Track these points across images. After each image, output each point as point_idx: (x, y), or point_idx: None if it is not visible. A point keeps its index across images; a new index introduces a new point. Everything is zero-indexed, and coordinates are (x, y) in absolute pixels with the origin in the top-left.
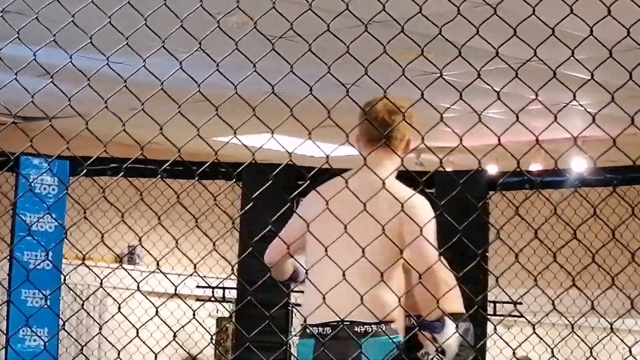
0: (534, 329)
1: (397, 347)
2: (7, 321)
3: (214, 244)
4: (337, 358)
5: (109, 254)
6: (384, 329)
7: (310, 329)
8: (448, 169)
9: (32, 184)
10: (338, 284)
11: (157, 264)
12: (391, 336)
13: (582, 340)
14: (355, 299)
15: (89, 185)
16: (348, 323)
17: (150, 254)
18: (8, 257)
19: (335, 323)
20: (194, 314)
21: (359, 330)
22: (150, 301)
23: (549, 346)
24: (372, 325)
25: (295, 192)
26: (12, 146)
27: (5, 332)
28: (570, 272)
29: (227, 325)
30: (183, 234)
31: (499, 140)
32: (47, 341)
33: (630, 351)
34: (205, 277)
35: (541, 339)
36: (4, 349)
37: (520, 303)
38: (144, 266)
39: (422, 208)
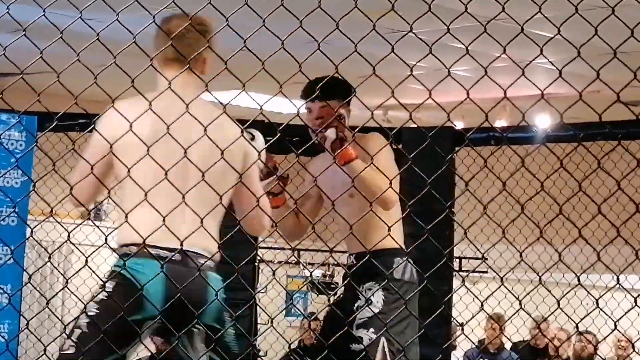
0: (502, 281)
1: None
2: None
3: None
4: (191, 287)
5: (75, 210)
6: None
7: (151, 250)
8: (414, 126)
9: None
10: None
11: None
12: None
13: (550, 293)
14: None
15: (57, 141)
16: (194, 253)
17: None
18: None
19: (188, 251)
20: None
21: (207, 264)
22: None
23: (517, 299)
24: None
25: (264, 147)
26: None
27: None
28: (537, 226)
29: None
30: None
31: (467, 94)
32: (11, 296)
33: (597, 303)
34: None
35: (510, 292)
36: None
37: (486, 259)
38: (110, 222)
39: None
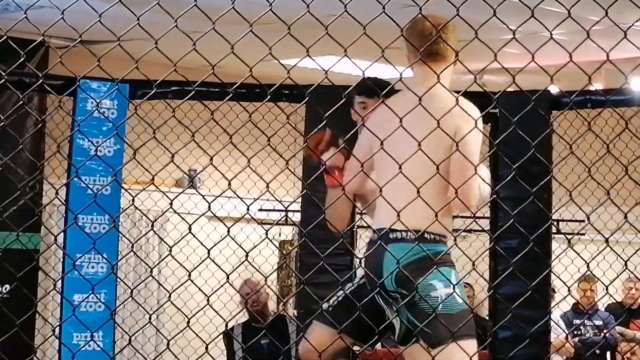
0: (607, 242)
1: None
2: (64, 247)
3: (287, 162)
4: (371, 260)
5: (170, 179)
6: (413, 236)
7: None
8: (511, 90)
9: (91, 108)
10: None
11: (229, 183)
12: (422, 244)
13: None
14: (406, 209)
15: (149, 109)
16: (387, 230)
17: (222, 173)
18: (66, 183)
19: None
20: (266, 234)
21: (391, 237)
22: (224, 222)
23: (620, 257)
24: (403, 232)
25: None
26: (69, 71)
27: (62, 259)
28: (636, 187)
29: (290, 247)
30: (254, 153)
31: (570, 57)
32: (113, 265)
33: None
34: (268, 200)
35: (615, 253)
36: (60, 279)
37: (583, 220)
38: (205, 190)
39: (473, 122)
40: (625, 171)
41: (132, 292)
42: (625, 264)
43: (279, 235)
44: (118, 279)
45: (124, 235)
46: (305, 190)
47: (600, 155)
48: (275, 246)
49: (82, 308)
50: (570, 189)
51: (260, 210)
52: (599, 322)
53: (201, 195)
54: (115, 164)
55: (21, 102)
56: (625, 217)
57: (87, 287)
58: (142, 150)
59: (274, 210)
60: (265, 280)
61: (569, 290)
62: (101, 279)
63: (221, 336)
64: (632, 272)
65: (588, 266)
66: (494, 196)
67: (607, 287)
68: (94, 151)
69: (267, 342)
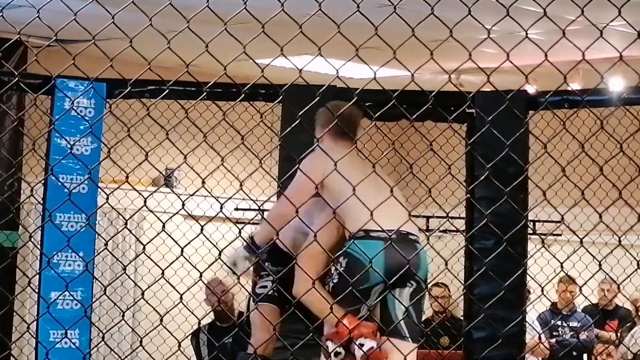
0: (581, 242)
1: None
2: (41, 245)
3: (260, 161)
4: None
5: (146, 177)
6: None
7: (376, 233)
8: (488, 90)
9: (68, 107)
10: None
11: (203, 182)
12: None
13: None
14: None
15: (126, 108)
16: (405, 232)
17: (196, 173)
18: (43, 181)
19: (403, 231)
20: (239, 232)
21: (411, 238)
22: (198, 222)
23: (595, 258)
24: (414, 234)
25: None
26: (46, 69)
27: (39, 257)
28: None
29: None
30: (229, 151)
31: (545, 56)
32: (87, 262)
33: None
34: (244, 199)
35: (590, 254)
36: (37, 275)
37: (559, 221)
38: (181, 189)
39: None
40: (601, 170)
41: (105, 289)
42: (600, 265)
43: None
44: (94, 277)
45: (99, 235)
46: (279, 189)
47: (576, 155)
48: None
49: (59, 306)
50: (546, 189)
51: (236, 209)
52: (576, 324)
53: (176, 194)
54: (92, 162)
55: None
56: (600, 218)
57: (63, 285)
58: (119, 150)
59: (249, 209)
60: (239, 278)
61: (542, 290)
62: (76, 277)
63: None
64: (607, 274)
65: (562, 267)
66: (468, 196)
67: (580, 287)
68: (70, 149)
69: (230, 342)
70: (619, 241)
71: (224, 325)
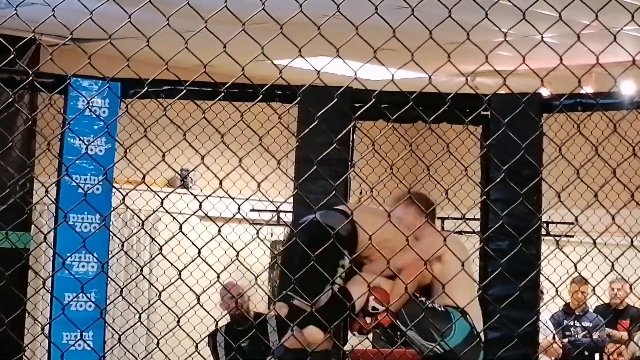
0: (594, 243)
1: None
2: (54, 246)
3: (278, 162)
4: None
5: (161, 178)
6: None
7: None
8: (502, 92)
9: (82, 107)
10: None
11: (220, 183)
12: None
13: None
14: None
15: (141, 108)
16: None
17: (213, 173)
18: (56, 182)
19: None
20: (257, 233)
21: None
22: (214, 222)
23: (607, 259)
24: None
25: (357, 114)
26: (60, 68)
27: (52, 258)
28: (627, 189)
29: (282, 248)
30: (246, 152)
31: (560, 60)
32: (103, 264)
33: None
34: (260, 201)
35: (601, 253)
36: (50, 277)
37: (572, 223)
38: (197, 190)
39: None
40: (613, 172)
41: (122, 290)
42: (612, 266)
43: (271, 236)
44: (108, 279)
45: (114, 235)
46: (296, 191)
47: (589, 158)
48: (267, 246)
49: (72, 307)
50: (560, 191)
51: (252, 210)
52: (588, 324)
53: (192, 194)
54: (106, 163)
55: (11, 100)
56: (613, 218)
57: (77, 287)
58: (134, 150)
59: (265, 210)
60: (256, 279)
61: (556, 290)
62: (91, 278)
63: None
64: (619, 274)
65: (576, 267)
66: (484, 197)
67: (594, 288)
68: (85, 150)
69: (247, 344)
70: (631, 242)
71: (241, 328)
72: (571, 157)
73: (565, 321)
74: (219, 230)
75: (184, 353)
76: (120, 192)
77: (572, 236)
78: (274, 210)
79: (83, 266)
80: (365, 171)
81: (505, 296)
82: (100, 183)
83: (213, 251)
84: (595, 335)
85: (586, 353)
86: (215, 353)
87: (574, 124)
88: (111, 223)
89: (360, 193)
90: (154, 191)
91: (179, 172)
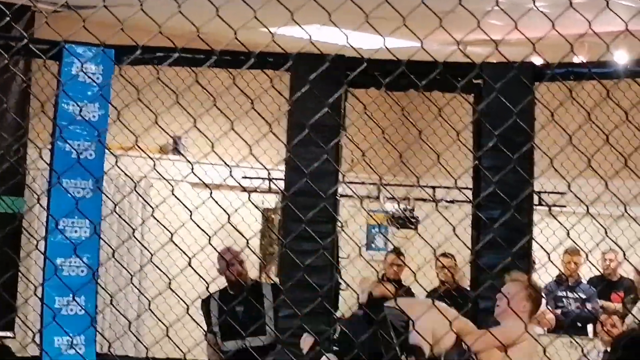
0: (587, 209)
1: None
2: (47, 211)
3: (269, 125)
4: None
5: (154, 144)
6: None
7: None
8: (494, 61)
9: (76, 73)
10: None
11: (212, 146)
12: None
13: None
14: None
15: (134, 74)
16: None
17: (205, 136)
18: (50, 147)
19: None
20: (249, 197)
21: None
22: (208, 185)
23: (602, 227)
24: None
25: (347, 80)
26: (54, 35)
27: (45, 222)
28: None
29: (273, 216)
30: (237, 117)
31: (553, 26)
32: (95, 226)
33: None
34: (252, 168)
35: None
36: (43, 240)
37: (565, 193)
38: (189, 157)
39: None
40: (606, 139)
41: (114, 253)
42: (606, 232)
43: (262, 203)
44: (101, 242)
45: (108, 197)
46: (288, 155)
47: (582, 127)
48: (259, 210)
49: (65, 272)
50: (553, 157)
51: (244, 177)
52: (582, 295)
53: (185, 158)
54: (99, 128)
55: (6, 63)
56: (607, 186)
57: (69, 251)
58: (127, 116)
59: (257, 177)
60: (247, 243)
61: (549, 257)
62: (84, 242)
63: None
64: (615, 243)
65: (568, 234)
66: (476, 162)
67: (587, 255)
68: (78, 114)
69: (242, 309)
70: (625, 209)
71: (235, 293)
72: (564, 126)
73: (558, 292)
74: (211, 193)
75: (175, 319)
76: (113, 155)
77: (564, 206)
78: (265, 178)
79: (76, 231)
80: (358, 139)
81: (497, 265)
82: (93, 148)
83: (205, 219)
84: (588, 307)
85: (579, 324)
86: (209, 318)
87: (567, 91)
88: (104, 189)
89: (352, 162)
90: (145, 153)
91: (172, 137)
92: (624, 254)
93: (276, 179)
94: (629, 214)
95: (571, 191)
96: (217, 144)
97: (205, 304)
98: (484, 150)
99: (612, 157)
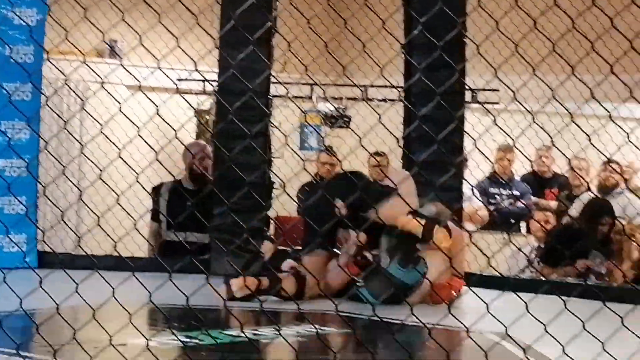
0: (514, 97)
1: None
2: None
3: (196, 18)
4: None
5: (92, 48)
6: None
7: None
8: None
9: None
10: None
11: (140, 39)
12: None
13: (580, 128)
14: None
15: None
16: None
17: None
18: None
19: None
20: (181, 96)
21: None
22: (142, 91)
23: (536, 124)
24: None
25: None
26: None
27: None
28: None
29: (207, 117)
30: (168, 16)
31: None
32: (34, 132)
33: (628, 138)
34: (186, 70)
35: (531, 113)
36: None
37: (497, 90)
38: (126, 62)
39: None
40: (534, 24)
41: (46, 144)
42: (542, 128)
43: (198, 105)
44: (41, 144)
45: (44, 95)
46: (220, 51)
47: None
48: (192, 107)
49: (6, 173)
50: (479, 43)
51: (179, 79)
52: (515, 192)
53: (119, 56)
54: (37, 32)
55: None
56: (533, 71)
57: (11, 153)
58: (63, 21)
59: (192, 79)
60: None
61: (479, 151)
62: (24, 145)
63: (147, 195)
64: (551, 140)
65: (503, 132)
66: (403, 53)
67: (521, 153)
68: (17, 19)
69: (190, 204)
70: (553, 104)
71: (191, 187)
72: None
73: (490, 189)
74: (140, 87)
75: (119, 226)
76: (50, 61)
77: (497, 103)
78: (200, 80)
79: (17, 133)
80: (289, 39)
81: (430, 161)
82: (32, 52)
83: (145, 125)
84: (521, 203)
85: (512, 221)
86: (157, 205)
87: None
88: (43, 91)
89: (284, 62)
90: (83, 55)
91: (107, 41)
92: (562, 153)
93: (211, 81)
94: (563, 110)
95: (499, 79)
96: (151, 47)
97: (156, 190)
98: (411, 36)
99: (544, 51)
